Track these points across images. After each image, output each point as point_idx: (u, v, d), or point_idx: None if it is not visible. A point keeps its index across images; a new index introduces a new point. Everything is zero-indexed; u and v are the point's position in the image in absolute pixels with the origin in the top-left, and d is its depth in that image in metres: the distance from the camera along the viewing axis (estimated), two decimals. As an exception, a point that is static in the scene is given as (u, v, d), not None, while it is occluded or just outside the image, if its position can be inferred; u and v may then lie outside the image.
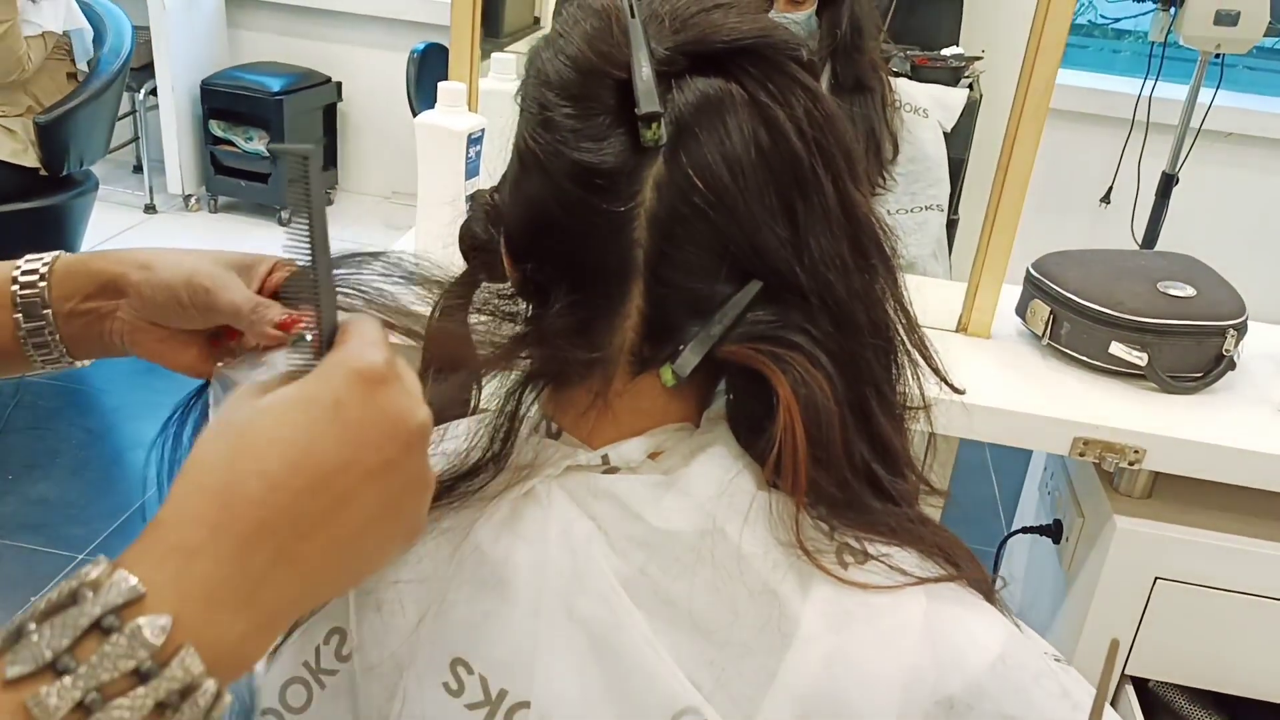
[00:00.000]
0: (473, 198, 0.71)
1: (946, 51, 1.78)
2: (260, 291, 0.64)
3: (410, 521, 0.45)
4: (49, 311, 0.64)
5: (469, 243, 0.70)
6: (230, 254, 0.64)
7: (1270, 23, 2.35)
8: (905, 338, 0.61)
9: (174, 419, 0.66)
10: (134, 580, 0.35)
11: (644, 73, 0.55)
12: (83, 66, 2.81)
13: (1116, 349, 1.30)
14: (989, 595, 0.62)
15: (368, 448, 0.41)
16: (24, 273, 0.64)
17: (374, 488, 0.42)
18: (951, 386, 0.64)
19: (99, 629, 0.34)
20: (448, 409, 0.61)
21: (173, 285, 0.62)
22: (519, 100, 0.61)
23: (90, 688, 0.34)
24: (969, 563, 0.61)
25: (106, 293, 0.64)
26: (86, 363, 0.67)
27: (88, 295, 0.65)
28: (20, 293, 0.63)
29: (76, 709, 0.33)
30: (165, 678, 0.35)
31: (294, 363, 0.45)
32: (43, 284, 0.64)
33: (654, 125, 0.54)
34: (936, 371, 0.63)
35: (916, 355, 0.62)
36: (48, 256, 0.65)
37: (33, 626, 0.34)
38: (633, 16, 0.56)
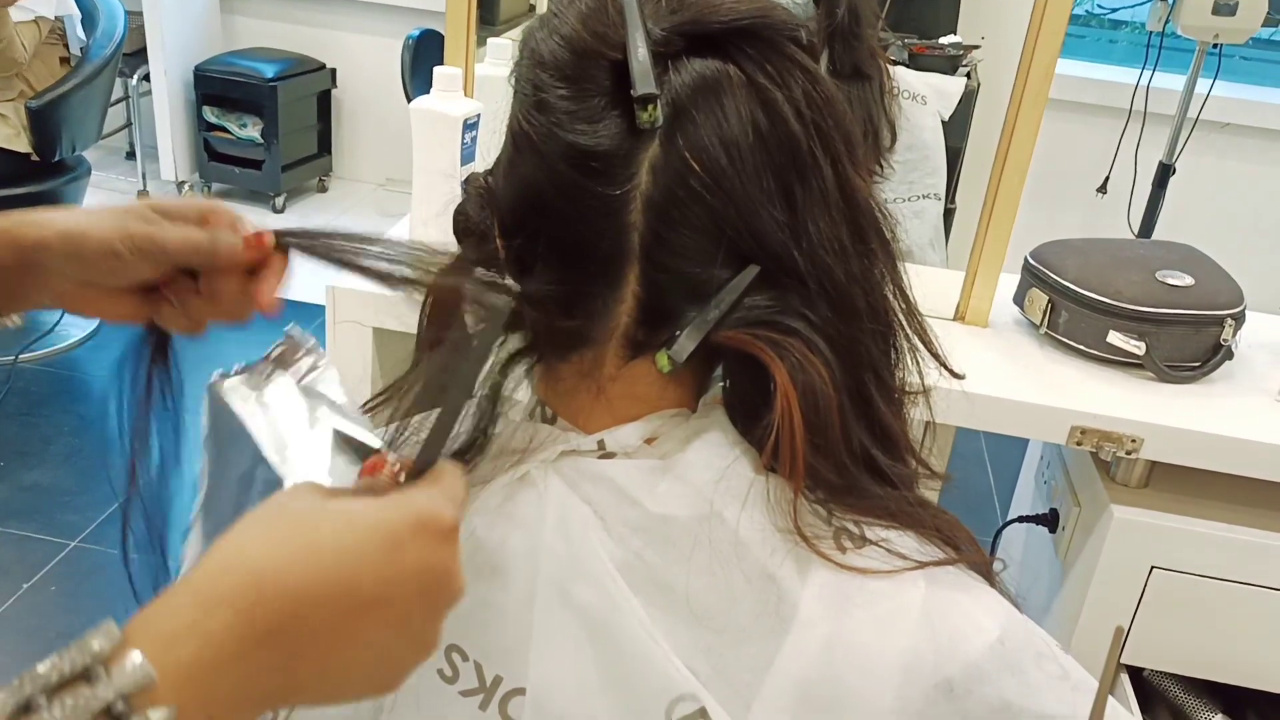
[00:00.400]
0: (467, 181, 0.71)
1: (944, 40, 1.78)
2: None
3: (394, 676, 0.44)
4: None
5: (463, 226, 0.70)
6: (144, 202, 0.60)
7: (1268, 13, 2.35)
8: (904, 322, 0.61)
9: (125, 367, 0.63)
10: (149, 668, 0.35)
11: (640, 53, 0.54)
12: (75, 51, 2.80)
13: (1114, 338, 1.29)
14: (989, 578, 0.62)
15: (404, 598, 0.41)
16: None
17: (389, 633, 0.42)
18: (951, 371, 0.64)
19: (108, 714, 0.34)
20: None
21: (109, 241, 0.57)
22: (513, 82, 0.61)
23: None
24: (969, 545, 0.61)
25: (26, 265, 0.58)
26: (17, 319, 0.62)
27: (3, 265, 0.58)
28: None
29: None
30: None
31: (369, 483, 0.44)
32: None
33: (650, 107, 0.54)
34: (936, 356, 0.63)
35: (916, 340, 0.62)
36: None
37: (42, 701, 0.34)
38: None
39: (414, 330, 0.64)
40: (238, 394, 0.57)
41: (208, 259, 0.59)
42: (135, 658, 0.35)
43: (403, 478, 0.45)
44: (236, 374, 0.59)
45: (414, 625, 0.42)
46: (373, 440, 0.51)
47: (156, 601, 0.38)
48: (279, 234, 0.62)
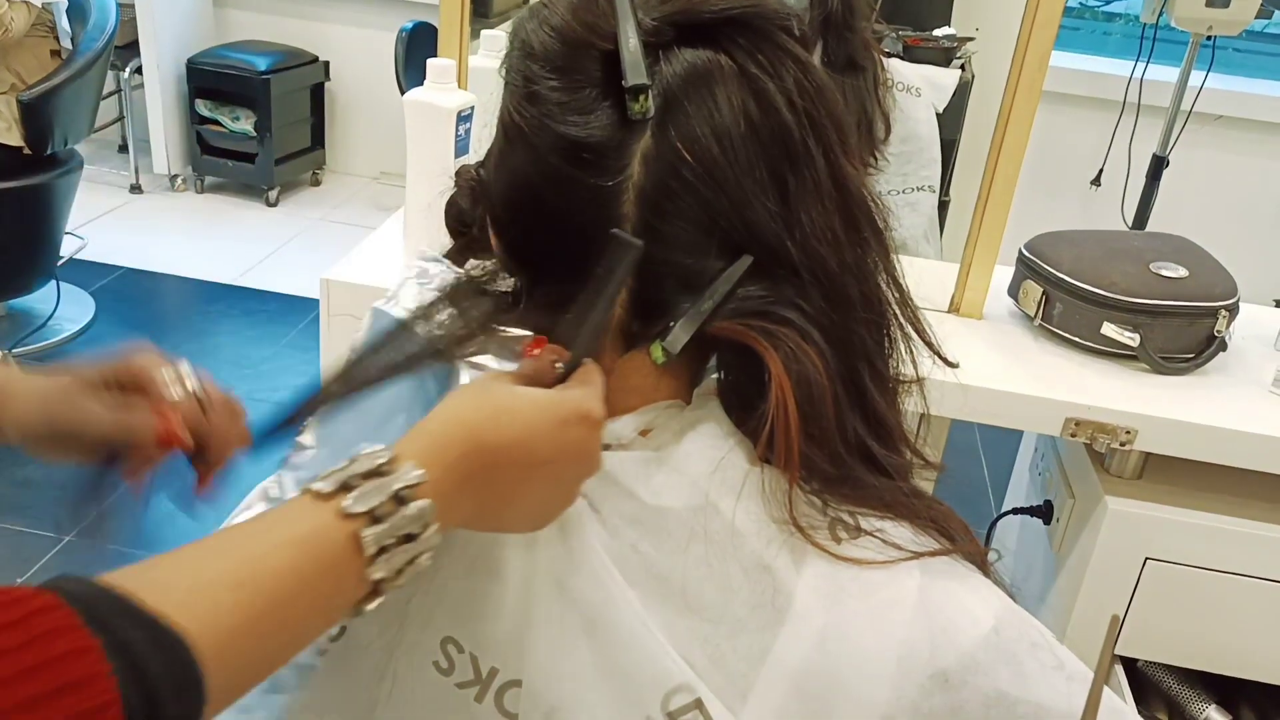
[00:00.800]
0: (458, 174, 0.70)
1: (939, 32, 1.77)
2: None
3: (546, 518, 0.57)
4: None
5: (454, 219, 0.69)
6: (100, 363, 0.61)
7: (1261, 5, 2.35)
8: (898, 312, 0.61)
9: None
10: (420, 471, 0.48)
11: (631, 44, 0.54)
12: (66, 44, 2.78)
13: (1109, 329, 1.29)
14: (984, 568, 0.62)
15: (564, 463, 0.54)
16: None
17: (550, 487, 0.55)
18: (945, 359, 0.64)
19: (396, 498, 0.47)
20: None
21: (31, 427, 0.59)
22: (503, 73, 0.60)
23: (391, 535, 0.47)
24: (964, 536, 0.61)
25: None
26: None
27: None
28: None
29: (380, 551, 0.47)
30: (421, 539, 0.49)
31: (534, 367, 0.56)
32: None
33: (641, 97, 0.54)
34: (930, 345, 0.62)
35: (909, 329, 0.61)
36: None
37: (358, 483, 0.47)
38: None
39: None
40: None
41: (125, 447, 0.60)
42: (410, 465, 0.49)
43: (559, 366, 0.56)
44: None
45: (566, 484, 0.56)
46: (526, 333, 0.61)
47: (410, 437, 0.51)
48: (256, 437, 0.63)
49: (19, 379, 0.60)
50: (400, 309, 0.65)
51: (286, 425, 0.62)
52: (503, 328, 0.61)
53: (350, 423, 0.65)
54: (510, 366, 0.58)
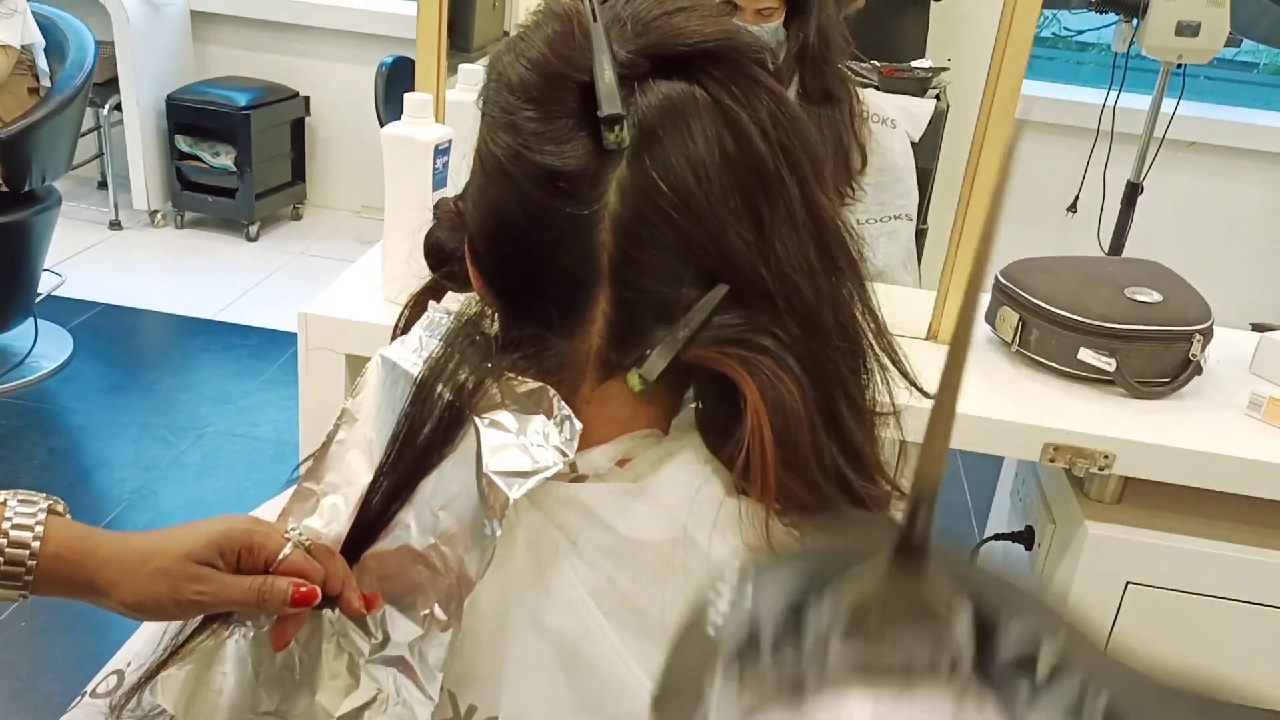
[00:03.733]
0: (437, 206, 0.71)
1: (914, 63, 1.79)
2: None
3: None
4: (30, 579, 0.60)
5: (433, 252, 0.69)
6: (203, 534, 0.61)
7: (1229, 34, 2.39)
8: (874, 342, 0.61)
9: None
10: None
11: (606, 75, 0.54)
12: (45, 82, 2.78)
13: (1085, 355, 1.30)
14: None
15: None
16: (10, 545, 0.60)
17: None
18: (920, 389, 0.64)
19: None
20: None
21: (161, 600, 0.60)
22: (480, 105, 0.61)
23: None
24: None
25: (83, 591, 0.62)
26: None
27: (70, 589, 0.62)
28: (3, 566, 0.59)
29: None
30: None
31: None
32: (32, 562, 0.59)
33: (617, 128, 0.54)
34: (905, 375, 0.63)
35: (885, 360, 0.62)
36: (34, 544, 0.59)
37: None
38: (595, 20, 0.56)
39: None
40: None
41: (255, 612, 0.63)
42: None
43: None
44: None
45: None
46: None
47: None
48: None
49: (117, 560, 0.60)
50: (410, 361, 0.63)
51: (362, 530, 0.62)
52: (512, 375, 0.59)
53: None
54: (527, 418, 0.57)
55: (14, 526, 0.58)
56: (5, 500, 0.59)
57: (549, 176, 0.56)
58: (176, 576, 0.60)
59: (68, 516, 0.62)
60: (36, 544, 0.58)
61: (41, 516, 0.59)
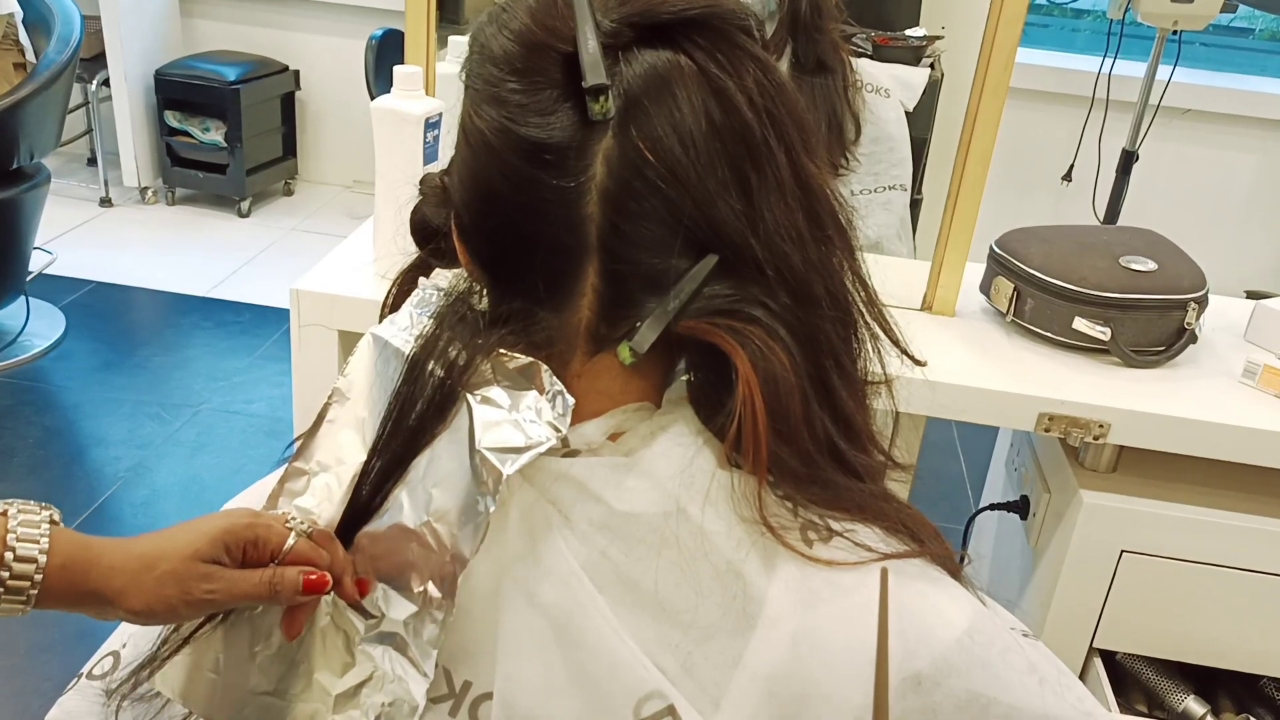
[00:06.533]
0: (422, 181, 0.70)
1: (908, 31, 1.78)
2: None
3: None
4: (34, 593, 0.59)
5: (420, 227, 0.69)
6: (206, 533, 0.60)
7: (1225, -1, 2.37)
8: (864, 311, 0.61)
9: None
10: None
11: (590, 45, 0.54)
12: (30, 57, 2.75)
13: (1080, 324, 1.30)
14: (954, 571, 0.61)
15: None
16: (17, 559, 0.58)
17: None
18: (912, 358, 0.64)
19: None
20: None
21: (171, 603, 0.59)
22: (463, 78, 0.60)
23: None
24: (933, 539, 0.61)
25: (87, 602, 0.60)
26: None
27: (74, 601, 0.60)
28: (10, 580, 0.58)
29: None
30: None
31: None
32: (38, 576, 0.58)
33: (601, 98, 0.53)
34: (896, 343, 0.62)
35: (877, 329, 0.61)
36: (40, 557, 0.58)
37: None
38: None
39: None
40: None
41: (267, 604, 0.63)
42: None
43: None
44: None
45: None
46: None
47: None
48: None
49: (121, 568, 0.59)
50: (401, 339, 0.62)
51: (357, 510, 0.62)
52: (503, 351, 0.59)
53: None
54: (519, 394, 0.57)
55: (19, 540, 0.57)
56: (6, 511, 0.58)
57: (534, 149, 0.55)
58: (185, 578, 0.59)
59: (62, 525, 0.60)
60: (43, 558, 0.57)
61: (46, 529, 0.58)
